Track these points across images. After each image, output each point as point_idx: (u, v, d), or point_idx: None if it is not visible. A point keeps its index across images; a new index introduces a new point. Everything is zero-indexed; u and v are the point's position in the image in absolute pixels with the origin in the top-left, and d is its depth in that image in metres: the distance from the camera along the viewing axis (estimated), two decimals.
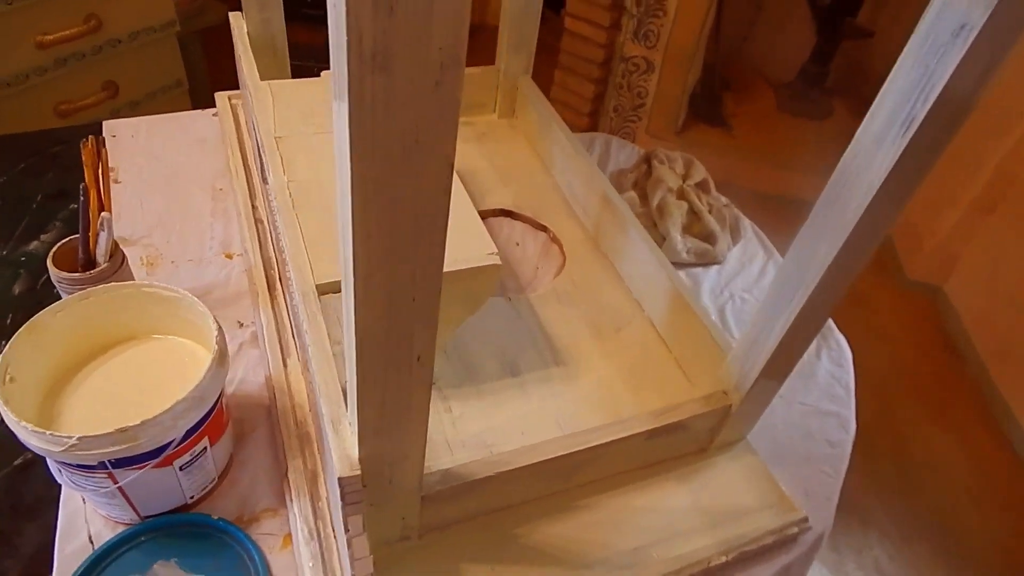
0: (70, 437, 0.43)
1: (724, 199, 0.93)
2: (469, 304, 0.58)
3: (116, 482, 0.48)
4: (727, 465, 0.63)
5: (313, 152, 0.63)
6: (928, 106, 0.38)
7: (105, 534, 0.53)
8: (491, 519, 0.55)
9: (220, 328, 0.51)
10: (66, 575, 0.50)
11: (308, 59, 1.85)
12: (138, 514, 0.52)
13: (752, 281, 0.84)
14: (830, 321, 0.80)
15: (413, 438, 0.42)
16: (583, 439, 0.54)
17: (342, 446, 0.42)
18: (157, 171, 0.85)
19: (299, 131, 0.65)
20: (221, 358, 0.49)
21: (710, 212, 0.87)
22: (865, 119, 0.42)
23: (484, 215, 0.85)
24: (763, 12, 2.08)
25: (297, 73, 1.84)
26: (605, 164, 0.99)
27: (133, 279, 0.66)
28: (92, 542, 0.52)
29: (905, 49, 0.39)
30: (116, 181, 0.83)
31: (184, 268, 0.73)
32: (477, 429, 0.61)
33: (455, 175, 0.63)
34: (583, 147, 0.85)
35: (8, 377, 0.46)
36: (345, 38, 0.22)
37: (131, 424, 0.43)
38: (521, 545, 0.55)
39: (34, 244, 0.73)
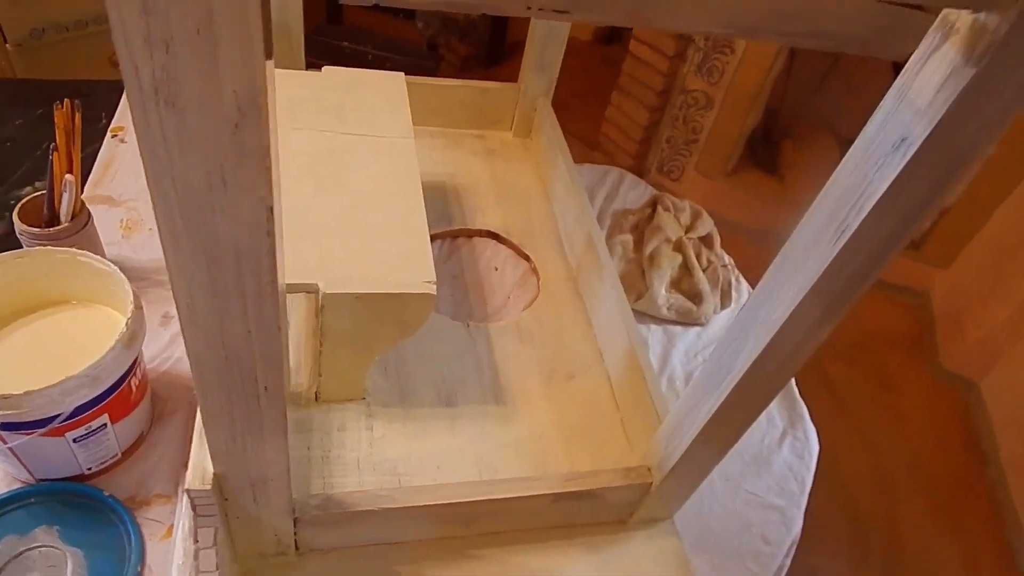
0: None
1: (727, 258, 0.89)
2: (401, 328, 0.56)
3: (5, 442, 0.48)
4: (643, 544, 0.59)
5: (287, 147, 0.63)
6: (862, 216, 0.34)
7: (1, 486, 0.53)
8: (377, 551, 0.54)
9: (137, 311, 0.51)
10: None
11: (365, 44, 1.88)
12: (32, 476, 0.53)
13: None
14: (802, 407, 0.75)
15: (273, 463, 0.41)
16: (480, 491, 0.51)
17: (202, 457, 0.42)
18: None
19: (280, 123, 0.64)
20: (129, 341, 0.49)
21: (706, 270, 0.83)
22: (802, 221, 0.39)
23: (470, 234, 0.83)
24: (839, 65, 1.99)
25: (352, 58, 1.85)
26: (612, 200, 0.95)
27: (99, 240, 0.67)
28: None
29: (848, 153, 0.35)
30: (122, 141, 0.85)
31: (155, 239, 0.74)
32: (394, 455, 0.59)
33: (420, 195, 0.61)
34: (582, 180, 0.82)
35: None
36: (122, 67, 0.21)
37: (14, 392, 0.44)
38: None
39: (27, 190, 0.76)
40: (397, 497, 0.50)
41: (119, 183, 0.79)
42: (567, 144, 0.85)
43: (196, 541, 0.42)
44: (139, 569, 0.51)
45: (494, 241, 0.83)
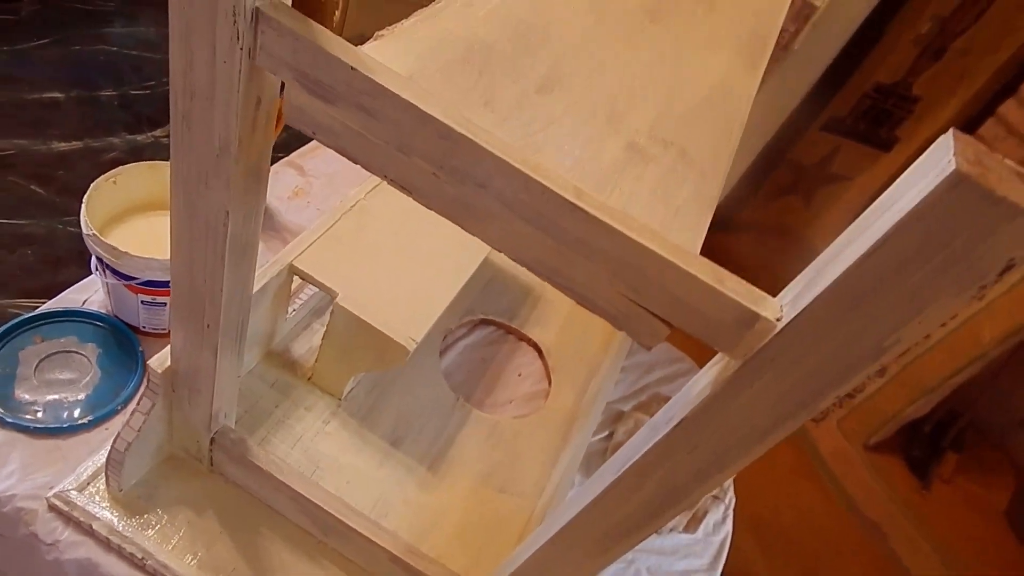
0: (91, 228, 0.64)
1: (729, 495, 0.88)
2: (378, 360, 0.68)
3: (106, 278, 0.68)
4: None
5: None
6: (629, 464, 0.39)
7: (94, 305, 0.74)
8: (259, 508, 0.65)
9: None
10: (51, 303, 0.72)
11: None
12: (112, 310, 0.73)
13: (664, 569, 0.79)
14: None
15: (203, 383, 0.55)
16: (333, 505, 0.61)
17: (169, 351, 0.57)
18: None
19: None
20: None
21: None
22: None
23: (521, 337, 0.93)
24: None
25: None
26: (663, 384, 0.99)
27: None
28: (84, 305, 0.74)
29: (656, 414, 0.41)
30: None
31: (305, 210, 0.95)
32: (325, 451, 0.71)
33: (463, 279, 0.73)
34: (625, 353, 0.89)
35: (113, 180, 0.69)
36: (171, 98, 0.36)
37: (118, 247, 0.63)
38: (253, 541, 0.63)
39: None
40: (283, 472, 0.61)
41: (316, 162, 1.02)
42: None
43: (138, 403, 0.57)
44: (118, 407, 0.68)
45: (535, 353, 0.92)
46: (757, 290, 0.31)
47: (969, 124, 1.74)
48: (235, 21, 0.31)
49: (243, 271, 0.47)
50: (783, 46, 0.72)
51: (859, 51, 1.99)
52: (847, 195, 2.36)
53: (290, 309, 0.77)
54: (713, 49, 0.55)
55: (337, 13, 1.41)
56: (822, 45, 0.70)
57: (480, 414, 0.82)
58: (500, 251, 0.34)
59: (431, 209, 0.34)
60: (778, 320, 0.30)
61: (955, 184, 0.23)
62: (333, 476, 0.69)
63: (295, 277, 0.70)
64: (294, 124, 0.34)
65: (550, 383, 0.89)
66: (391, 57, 0.38)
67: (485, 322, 0.92)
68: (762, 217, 2.42)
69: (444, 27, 0.41)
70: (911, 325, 0.27)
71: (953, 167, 0.23)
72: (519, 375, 0.89)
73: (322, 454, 0.70)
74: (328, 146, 0.34)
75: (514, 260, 0.34)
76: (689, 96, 0.48)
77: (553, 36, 0.46)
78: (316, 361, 0.73)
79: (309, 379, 0.75)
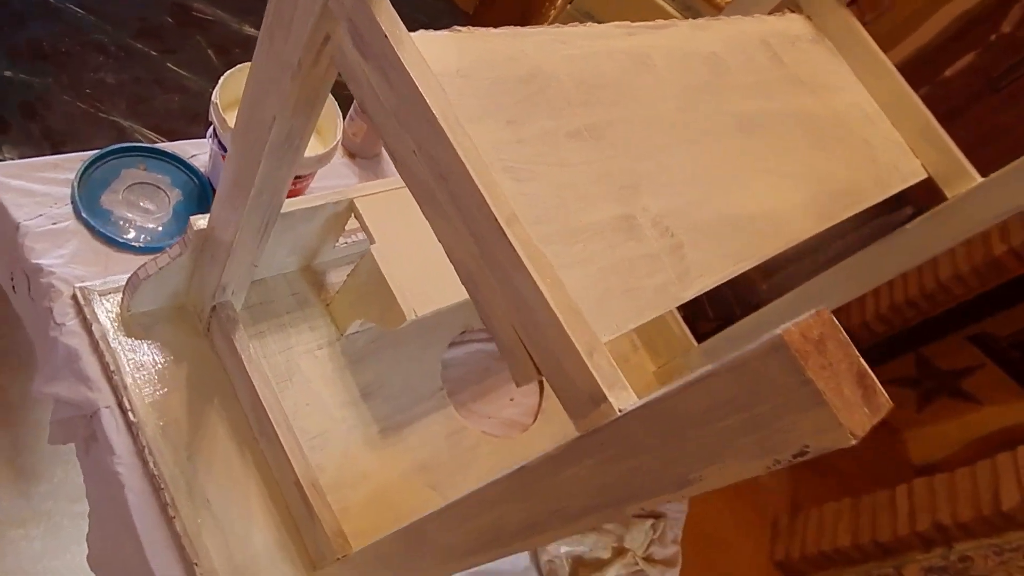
0: (217, 99, 0.73)
1: None
2: (379, 315, 0.72)
3: (213, 144, 0.78)
4: None
5: None
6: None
7: (197, 162, 0.84)
8: (224, 382, 0.71)
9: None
10: (168, 144, 0.83)
11: None
12: (208, 171, 0.83)
13: None
14: None
15: (220, 255, 0.61)
16: (275, 412, 0.66)
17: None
18: None
19: None
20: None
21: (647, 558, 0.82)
22: None
23: None
24: None
25: None
26: None
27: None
28: (190, 158, 0.84)
29: None
30: None
31: (380, 166, 1.01)
32: (303, 369, 0.76)
33: None
34: None
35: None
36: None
37: (228, 122, 0.72)
38: (202, 408, 0.69)
39: None
40: (253, 365, 0.67)
41: None
42: None
43: (171, 248, 0.65)
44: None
45: (537, 390, 0.93)
46: (622, 378, 0.32)
47: None
48: None
49: (278, 176, 0.53)
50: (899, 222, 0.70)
51: None
52: (965, 419, 2.16)
53: (344, 240, 0.84)
54: (789, 182, 0.54)
55: None
56: (937, 236, 0.67)
57: (453, 412, 0.84)
58: (439, 240, 0.37)
59: (403, 180, 0.38)
60: (620, 411, 0.31)
61: (774, 348, 0.23)
62: (297, 394, 0.74)
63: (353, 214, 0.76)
64: (335, 64, 0.39)
65: (534, 421, 0.90)
66: (454, 51, 0.42)
67: None
68: None
69: (521, 48, 0.45)
70: (713, 469, 0.27)
71: (779, 332, 0.23)
72: (511, 399, 0.91)
73: (300, 371, 0.76)
74: (352, 92, 0.39)
75: (446, 253, 0.36)
76: (726, 209, 0.49)
77: (623, 101, 0.48)
78: (337, 292, 0.79)
79: (327, 305, 0.81)
